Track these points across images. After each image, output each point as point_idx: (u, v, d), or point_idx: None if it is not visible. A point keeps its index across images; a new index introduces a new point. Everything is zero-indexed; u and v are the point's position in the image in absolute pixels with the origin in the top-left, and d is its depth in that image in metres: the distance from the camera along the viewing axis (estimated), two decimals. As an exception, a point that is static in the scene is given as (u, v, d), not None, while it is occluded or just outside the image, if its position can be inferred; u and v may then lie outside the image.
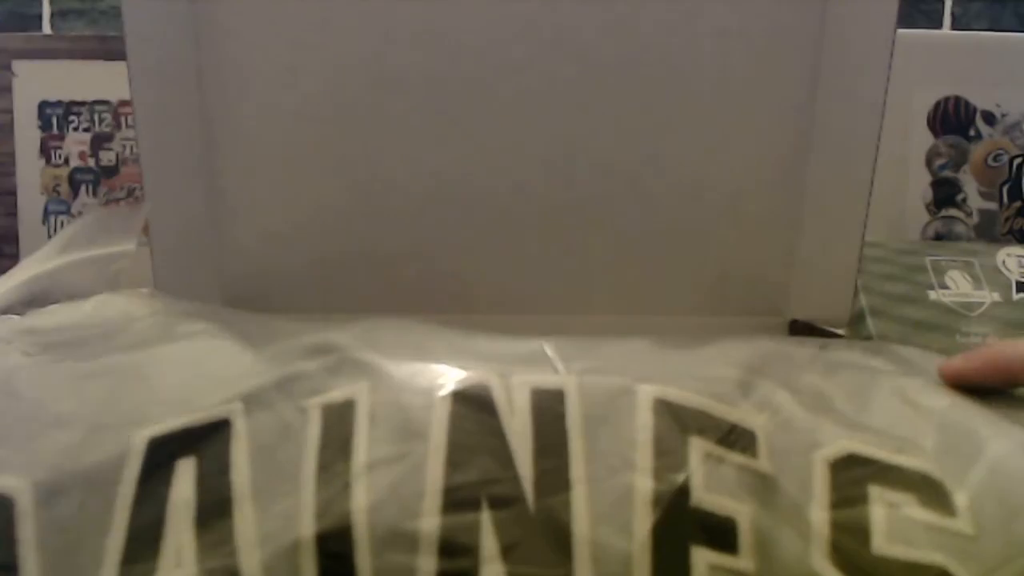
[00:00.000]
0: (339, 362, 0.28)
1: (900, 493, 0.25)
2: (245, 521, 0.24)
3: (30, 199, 0.69)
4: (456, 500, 0.24)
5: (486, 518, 0.24)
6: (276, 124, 0.42)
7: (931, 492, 0.25)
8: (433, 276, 0.44)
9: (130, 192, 0.69)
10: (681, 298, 0.45)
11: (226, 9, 0.41)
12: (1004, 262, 0.55)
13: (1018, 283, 0.54)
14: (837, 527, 0.24)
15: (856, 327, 0.51)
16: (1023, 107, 0.68)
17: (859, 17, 0.41)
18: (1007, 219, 0.68)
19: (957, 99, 0.68)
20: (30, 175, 0.68)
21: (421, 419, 0.26)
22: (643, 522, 0.24)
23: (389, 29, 0.41)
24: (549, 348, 0.29)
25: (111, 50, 0.67)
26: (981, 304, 0.53)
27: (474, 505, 0.24)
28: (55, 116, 0.68)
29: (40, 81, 0.68)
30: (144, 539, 0.24)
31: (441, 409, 0.26)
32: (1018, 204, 0.68)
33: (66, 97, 0.68)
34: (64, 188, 0.69)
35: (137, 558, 0.24)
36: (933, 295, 0.53)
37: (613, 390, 0.27)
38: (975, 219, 0.68)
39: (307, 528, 0.24)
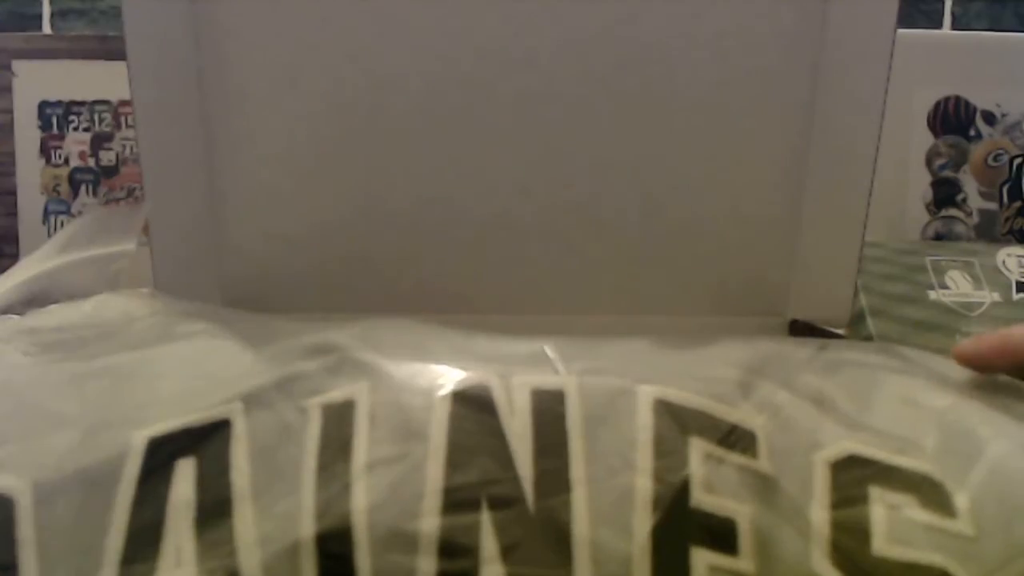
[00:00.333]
0: (339, 362, 0.28)
1: (901, 494, 0.25)
2: (245, 521, 0.24)
3: (30, 199, 0.69)
4: (456, 501, 0.24)
5: (486, 519, 0.24)
6: (276, 124, 0.42)
7: (932, 493, 0.25)
8: (433, 276, 0.44)
9: (130, 192, 0.69)
10: (681, 298, 0.45)
11: (226, 9, 0.40)
12: (1004, 262, 0.55)
13: (1018, 283, 0.54)
14: (837, 528, 0.24)
15: (856, 327, 0.51)
16: (1023, 107, 0.68)
17: (859, 17, 0.41)
18: (1007, 219, 0.68)
19: (957, 99, 0.68)
20: (30, 175, 0.68)
21: (421, 419, 0.26)
22: (643, 523, 0.24)
23: (389, 29, 0.41)
24: (549, 349, 0.29)
25: (111, 50, 0.67)
26: (981, 304, 0.53)
27: (474, 506, 0.24)
28: (55, 116, 0.68)
29: (40, 81, 0.68)
30: (144, 539, 0.24)
31: (441, 409, 0.26)
32: (1018, 204, 0.68)
33: (66, 97, 0.68)
34: (64, 188, 0.69)
35: (137, 558, 0.24)
36: (933, 295, 0.53)
37: (613, 391, 0.27)
38: (975, 219, 0.68)
39: (307, 528, 0.24)
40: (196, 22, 0.40)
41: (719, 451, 0.25)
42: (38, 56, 0.68)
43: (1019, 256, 0.56)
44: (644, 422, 0.26)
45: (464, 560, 0.24)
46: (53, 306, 0.32)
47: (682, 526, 0.24)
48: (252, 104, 0.42)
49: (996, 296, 0.53)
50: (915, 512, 0.24)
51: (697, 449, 0.25)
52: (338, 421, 0.26)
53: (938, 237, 0.68)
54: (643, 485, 0.25)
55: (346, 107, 0.42)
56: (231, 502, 0.24)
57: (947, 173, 0.68)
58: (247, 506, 0.24)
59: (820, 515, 0.24)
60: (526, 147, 0.42)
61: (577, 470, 0.25)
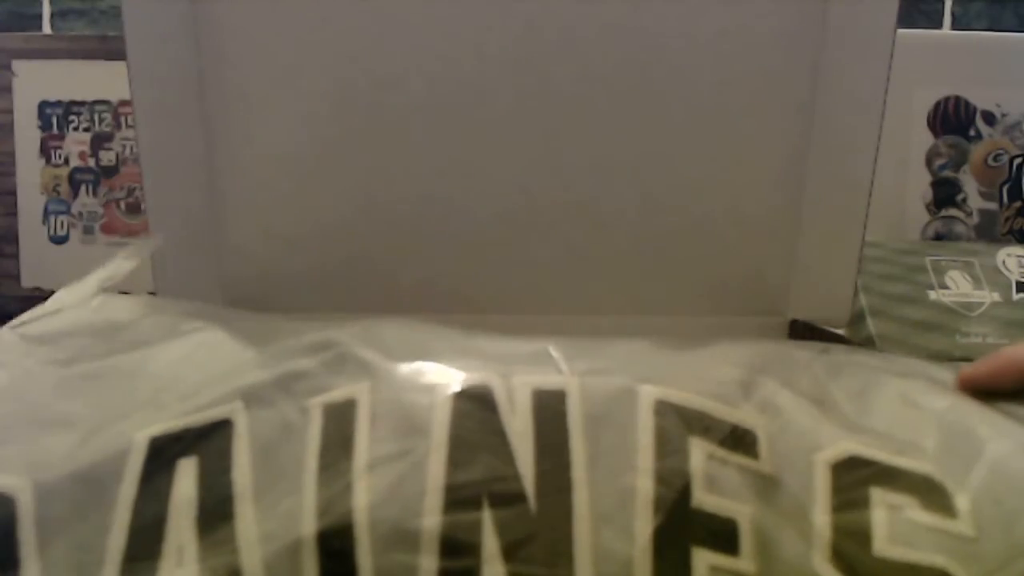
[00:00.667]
0: (340, 361, 0.28)
1: (901, 495, 0.25)
2: (246, 520, 0.24)
3: (30, 199, 0.69)
4: (457, 499, 0.24)
5: (487, 517, 0.24)
6: (276, 124, 0.42)
7: (932, 494, 0.25)
8: (434, 276, 0.44)
9: (130, 192, 0.69)
10: (681, 298, 0.45)
11: (226, 9, 0.40)
12: (1004, 262, 0.56)
13: (1018, 283, 0.54)
14: (838, 529, 0.24)
15: (856, 327, 0.51)
16: (1023, 107, 0.68)
17: (859, 17, 0.41)
18: (1007, 219, 0.68)
19: (957, 99, 0.68)
20: (30, 175, 0.69)
21: (422, 418, 0.26)
22: (644, 523, 0.24)
23: (389, 29, 0.41)
24: (552, 348, 0.29)
25: (111, 50, 0.67)
26: (981, 304, 0.53)
27: (475, 504, 0.24)
28: (55, 116, 0.68)
29: (40, 81, 0.68)
30: (146, 538, 0.24)
31: (442, 408, 0.26)
32: (1018, 204, 0.68)
33: (66, 97, 0.68)
34: (64, 188, 0.69)
35: (139, 556, 0.24)
36: (933, 295, 0.53)
37: (614, 391, 0.27)
38: (975, 219, 0.68)
39: (308, 527, 0.24)
40: (196, 22, 0.40)
41: (720, 452, 0.25)
42: (38, 56, 0.68)
43: (1019, 256, 0.56)
44: (645, 422, 0.26)
45: (465, 558, 0.24)
46: (54, 308, 0.32)
47: (683, 526, 0.24)
48: (252, 104, 0.42)
49: (996, 296, 0.53)
50: (916, 513, 0.24)
51: (698, 449, 0.25)
52: (339, 420, 0.26)
53: (938, 237, 0.68)
54: (644, 486, 0.25)
55: (346, 107, 0.42)
56: (233, 501, 0.24)
57: (947, 173, 0.68)
58: (249, 505, 0.24)
59: (821, 516, 0.24)
60: (526, 147, 0.42)
61: (578, 470, 0.25)
